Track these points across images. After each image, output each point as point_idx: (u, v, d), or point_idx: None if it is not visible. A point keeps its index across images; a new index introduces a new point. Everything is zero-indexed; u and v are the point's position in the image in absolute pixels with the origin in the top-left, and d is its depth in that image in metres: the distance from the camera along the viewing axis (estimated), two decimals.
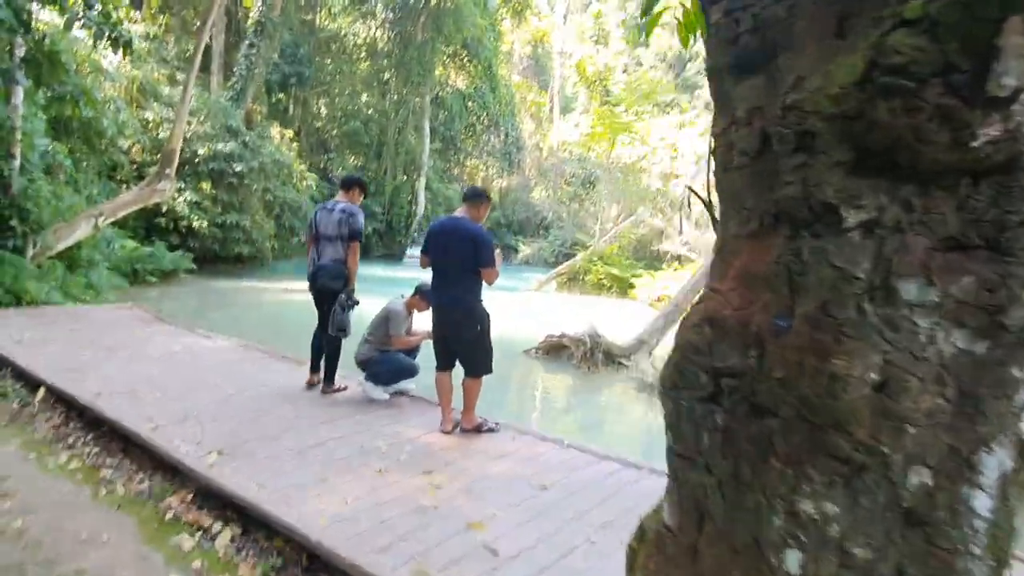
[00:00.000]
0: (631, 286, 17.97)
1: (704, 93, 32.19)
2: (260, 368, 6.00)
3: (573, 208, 28.50)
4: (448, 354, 4.59)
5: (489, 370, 4.54)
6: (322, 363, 5.42)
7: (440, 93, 28.65)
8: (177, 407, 4.71)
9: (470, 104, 29.69)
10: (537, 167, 32.65)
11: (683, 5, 2.61)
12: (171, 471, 3.91)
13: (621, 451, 6.18)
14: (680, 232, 21.63)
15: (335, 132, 27.51)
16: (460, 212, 4.56)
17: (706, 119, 30.32)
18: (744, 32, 1.45)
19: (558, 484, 3.78)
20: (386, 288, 5.70)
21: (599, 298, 18.09)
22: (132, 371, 5.64)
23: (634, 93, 23.19)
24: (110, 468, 4.00)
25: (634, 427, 7.48)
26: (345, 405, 5.05)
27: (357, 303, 5.24)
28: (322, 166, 26.06)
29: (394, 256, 25.64)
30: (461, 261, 4.37)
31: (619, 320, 13.80)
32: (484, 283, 4.42)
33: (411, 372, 5.32)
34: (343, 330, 5.18)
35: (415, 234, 25.90)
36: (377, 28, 27.64)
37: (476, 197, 4.62)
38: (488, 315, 4.51)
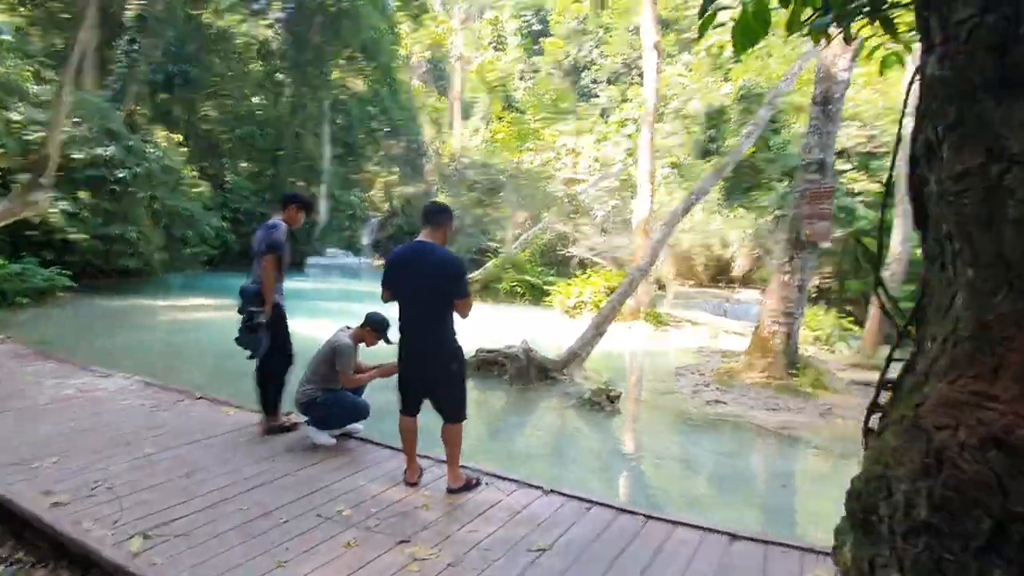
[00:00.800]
0: (546, 294, 17.73)
1: (601, 101, 32.67)
2: (178, 414, 5.11)
3: (478, 214, 28.05)
4: (419, 399, 3.99)
5: (465, 414, 3.98)
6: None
7: (339, 97, 27.41)
8: (83, 475, 3.84)
9: (370, 109, 28.62)
10: (439, 173, 31.97)
11: (743, 4, 2.22)
12: (82, 563, 3.11)
13: (585, 481, 5.86)
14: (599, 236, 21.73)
15: (227, 136, 25.70)
16: (424, 236, 3.94)
17: (602, 127, 30.86)
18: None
19: (558, 545, 3.29)
20: (289, 302, 4.97)
21: (514, 307, 17.73)
22: (15, 427, 4.65)
23: (540, 100, 23.03)
24: None
25: (586, 451, 7.11)
26: (287, 456, 4.33)
27: (261, 324, 4.58)
28: (214, 172, 24.25)
29: (295, 266, 24.26)
30: (436, 293, 3.81)
31: (540, 330, 13.48)
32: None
33: (363, 413, 4.66)
34: (250, 350, 4.59)
35: (317, 243, 24.59)
36: (269, 28, 26.09)
37: (439, 216, 4.01)
38: (461, 351, 3.97)
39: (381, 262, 30.35)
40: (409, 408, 3.98)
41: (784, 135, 24.30)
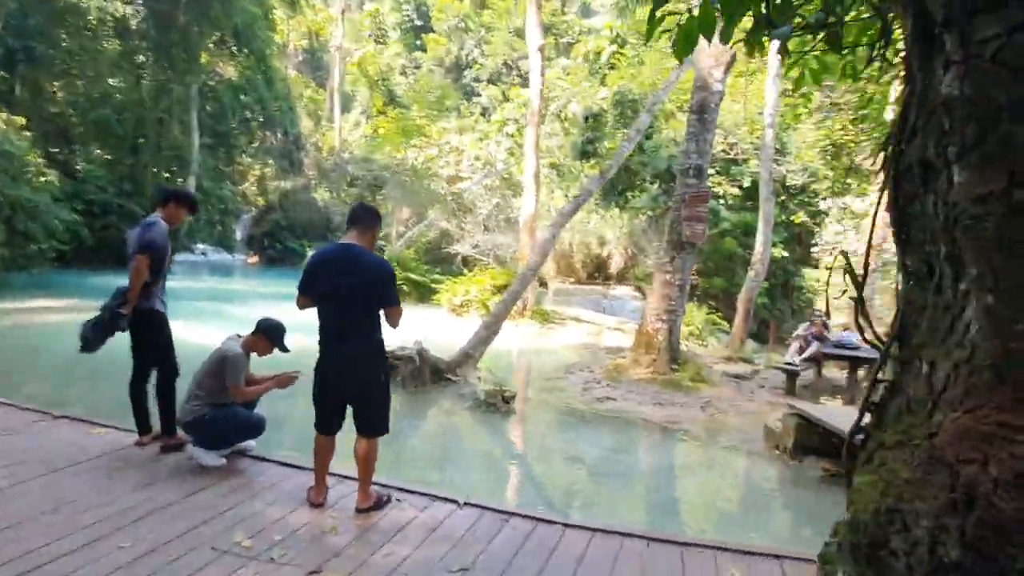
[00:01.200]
0: (432, 292, 17.45)
1: (482, 99, 32.70)
2: (34, 438, 4.44)
3: None
4: (340, 414, 3.68)
5: (387, 428, 3.72)
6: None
7: (208, 83, 25.59)
8: None
9: (243, 97, 26.95)
10: (318, 167, 30.72)
11: (688, 12, 2.16)
12: None
13: (487, 486, 5.73)
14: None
15: (78, 121, 23.28)
16: (349, 238, 3.62)
17: (484, 125, 30.90)
18: None
19: (480, 563, 3.13)
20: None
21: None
22: None
23: (424, 96, 22.66)
24: None
25: (484, 454, 7.00)
26: (171, 481, 3.85)
27: (118, 324, 4.13)
28: (64, 160, 21.88)
29: None
30: (364, 300, 3.51)
31: (428, 329, 13.22)
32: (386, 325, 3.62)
33: (258, 429, 4.26)
34: (84, 343, 4.13)
35: (185, 239, 22.85)
36: (127, 3, 23.88)
37: (368, 217, 3.70)
38: (388, 362, 3.72)
39: (256, 259, 28.74)
40: (328, 426, 3.66)
41: (655, 140, 25.39)
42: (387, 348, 8.53)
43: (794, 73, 2.80)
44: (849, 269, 1.46)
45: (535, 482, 6.00)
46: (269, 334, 4.25)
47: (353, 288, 3.45)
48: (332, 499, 3.71)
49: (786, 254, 21.57)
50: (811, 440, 6.45)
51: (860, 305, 1.46)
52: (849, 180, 20.54)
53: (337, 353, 3.56)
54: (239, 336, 4.31)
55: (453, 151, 26.36)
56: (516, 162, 25.82)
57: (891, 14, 1.89)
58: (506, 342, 12.38)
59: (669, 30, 2.12)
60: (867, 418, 1.39)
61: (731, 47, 9.03)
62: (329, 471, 3.83)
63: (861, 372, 9.09)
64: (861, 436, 1.37)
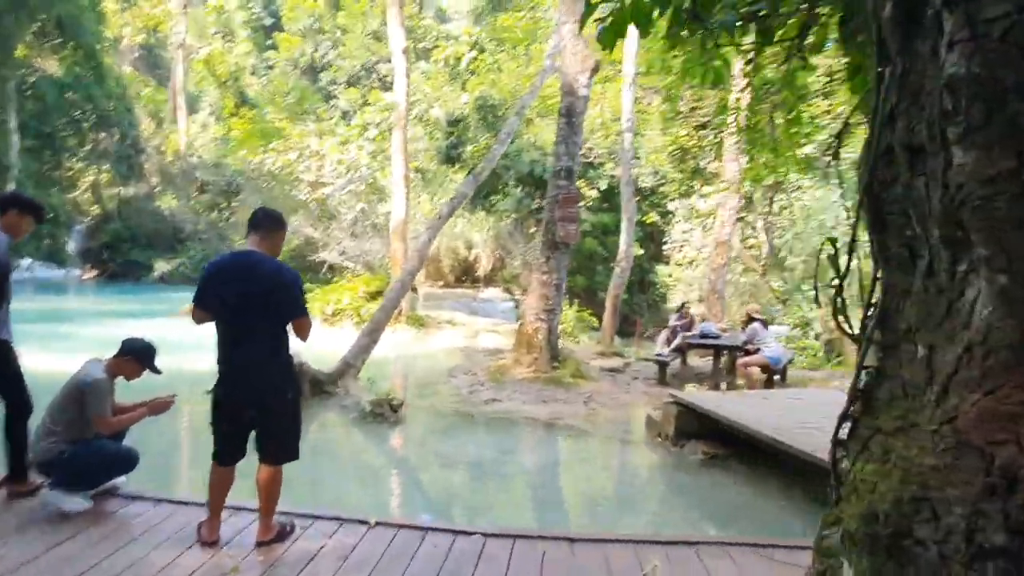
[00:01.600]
0: None
1: (341, 103, 31.66)
2: None
3: (214, 218, 25.38)
4: (242, 440, 3.28)
5: (297, 454, 3.37)
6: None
7: (28, 79, 22.75)
8: None
9: (69, 95, 24.23)
10: (162, 173, 28.28)
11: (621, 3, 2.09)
12: None
13: (386, 499, 5.45)
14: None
15: None
16: (251, 244, 3.26)
17: (344, 129, 29.90)
18: None
19: None
20: None
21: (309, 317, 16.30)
22: None
23: (282, 97, 21.49)
24: None
25: (378, 466, 6.69)
26: (25, 535, 3.25)
27: None
28: None
29: None
30: (266, 312, 3.14)
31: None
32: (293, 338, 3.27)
33: (129, 463, 3.73)
34: None
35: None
36: None
37: (271, 223, 3.34)
38: (297, 381, 3.36)
39: (93, 274, 25.90)
40: (228, 455, 3.26)
41: (517, 144, 25.82)
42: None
43: (695, 73, 2.84)
44: (834, 263, 1.44)
45: (437, 491, 5.79)
46: (138, 355, 3.74)
47: (249, 297, 3.11)
48: (227, 535, 3.32)
49: (641, 251, 22.68)
50: (690, 426, 6.74)
51: (838, 295, 1.45)
52: (694, 182, 21.94)
53: (234, 370, 3.19)
54: (100, 359, 3.76)
55: (314, 155, 25.31)
56: (380, 167, 25.24)
57: (820, 8, 1.93)
58: (384, 349, 11.97)
59: (602, 19, 2.04)
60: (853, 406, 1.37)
61: (597, 52, 9.31)
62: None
63: (723, 359, 9.67)
64: (848, 424, 1.36)
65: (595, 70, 10.18)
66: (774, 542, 3.52)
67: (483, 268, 27.60)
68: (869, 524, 1.14)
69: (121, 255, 24.85)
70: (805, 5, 1.89)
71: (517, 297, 22.48)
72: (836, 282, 1.52)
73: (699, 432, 6.72)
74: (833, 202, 16.25)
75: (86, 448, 3.54)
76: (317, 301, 15.63)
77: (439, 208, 26.87)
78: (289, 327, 3.24)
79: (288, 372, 3.32)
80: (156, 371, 3.78)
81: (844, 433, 1.37)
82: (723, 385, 9.66)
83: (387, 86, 32.20)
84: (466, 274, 27.99)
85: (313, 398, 8.20)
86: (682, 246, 22.75)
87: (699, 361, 11.46)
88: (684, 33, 2.26)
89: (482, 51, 26.55)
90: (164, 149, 29.61)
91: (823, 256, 1.54)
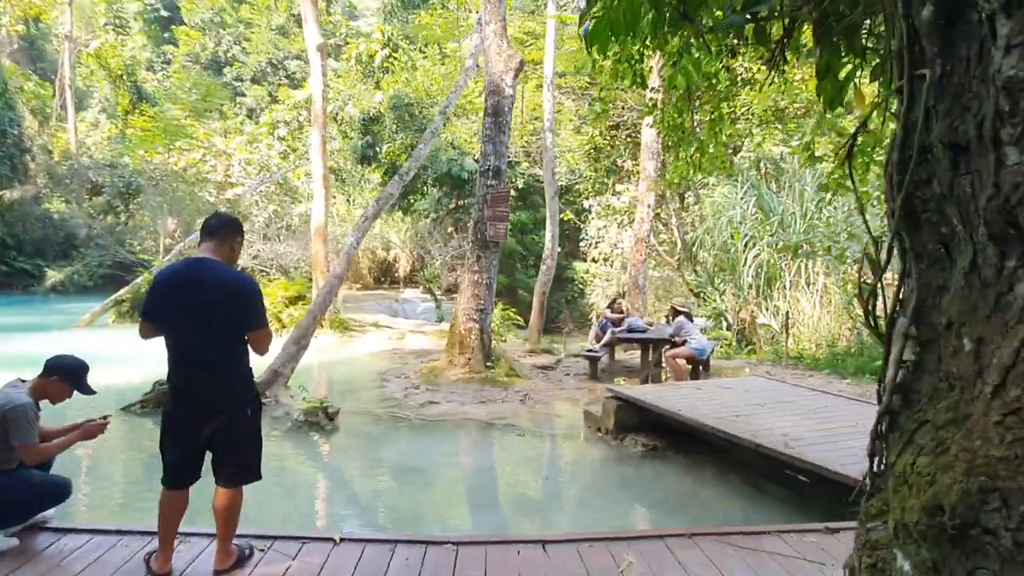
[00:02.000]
0: None
1: (247, 100, 30.35)
2: None
3: (110, 222, 23.68)
4: (197, 463, 3.02)
5: (259, 474, 3.15)
6: None
7: None
8: None
9: None
10: (49, 174, 26.15)
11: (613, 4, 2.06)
12: None
13: (348, 516, 5.22)
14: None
15: None
16: (204, 251, 3.02)
17: (251, 128, 28.67)
18: None
19: None
20: None
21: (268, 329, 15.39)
22: None
23: (186, 93, 20.31)
24: None
25: (320, 479, 6.42)
26: None
27: None
28: None
29: None
30: (223, 324, 2.92)
31: None
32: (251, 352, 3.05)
33: (60, 494, 3.38)
34: None
35: None
36: None
37: (226, 228, 3.09)
38: (259, 396, 3.14)
39: None
40: (179, 478, 3.00)
41: (434, 144, 25.58)
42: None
43: (668, 72, 2.86)
44: (872, 260, 1.46)
45: (387, 500, 5.61)
46: (65, 374, 3.41)
47: (201, 308, 2.88)
48: (180, 564, 3.07)
49: (559, 249, 22.98)
50: (629, 419, 6.87)
51: (872, 291, 1.47)
52: (607, 180, 22.43)
53: (188, 384, 2.96)
54: (23, 381, 3.40)
55: (220, 155, 24.13)
56: (291, 167, 24.38)
57: (802, 10, 1.97)
58: (308, 356, 11.56)
59: (599, 17, 2.00)
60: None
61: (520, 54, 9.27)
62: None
63: (652, 352, 9.91)
64: (886, 418, 1.39)
65: (519, 70, 10.20)
66: (732, 529, 3.62)
67: (403, 269, 27.21)
68: (933, 516, 1.16)
69: (5, 264, 22.79)
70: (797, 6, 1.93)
71: (439, 297, 22.28)
72: (866, 281, 1.54)
73: (637, 425, 6.86)
74: (741, 198, 16.98)
75: (10, 480, 3.19)
76: None
77: (361, 209, 26.30)
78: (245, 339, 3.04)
79: (248, 384, 3.11)
80: (87, 391, 3.46)
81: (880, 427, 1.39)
82: (650, 378, 9.91)
83: (296, 83, 31.15)
84: (385, 275, 27.51)
85: None
86: (597, 243, 23.23)
87: (624, 355, 11.72)
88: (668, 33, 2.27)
89: (396, 49, 26.10)
90: (51, 148, 27.40)
91: (733, 249, 1.56)
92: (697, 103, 7.08)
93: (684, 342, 9.21)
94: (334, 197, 25.14)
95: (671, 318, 10.72)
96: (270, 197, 23.60)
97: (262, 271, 21.04)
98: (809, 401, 6.58)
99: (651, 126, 12.17)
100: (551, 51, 14.09)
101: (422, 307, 22.81)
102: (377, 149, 25.08)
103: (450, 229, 25.13)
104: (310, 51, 14.05)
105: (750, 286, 15.79)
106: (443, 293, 23.34)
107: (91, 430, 3.41)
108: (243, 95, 29.87)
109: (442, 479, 6.10)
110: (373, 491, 5.88)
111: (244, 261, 20.96)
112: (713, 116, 7.02)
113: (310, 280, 15.50)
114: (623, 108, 19.13)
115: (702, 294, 18.25)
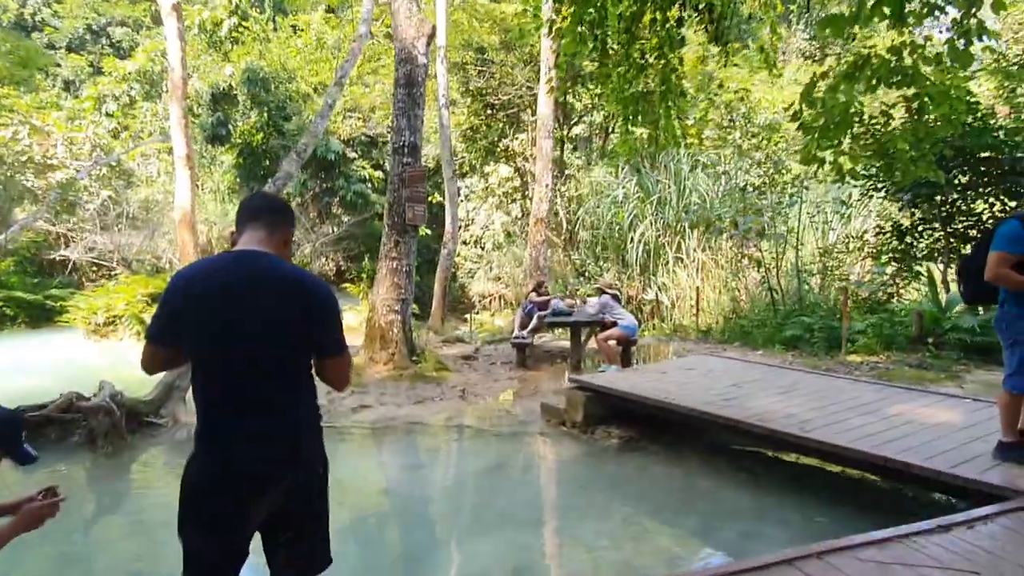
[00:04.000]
0: (58, 312, 13.18)
1: (62, 71, 26.14)
2: None
3: None
4: (241, 559, 2.00)
5: (331, 556, 2.19)
6: None
7: None
8: None
9: None
10: None
11: None
12: None
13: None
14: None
15: None
16: (250, 242, 2.04)
17: (72, 102, 24.62)
18: None
19: None
20: None
21: (6, 335, 12.69)
22: None
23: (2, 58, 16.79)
24: None
25: None
26: None
27: None
28: None
29: None
30: (289, 347, 1.98)
31: (74, 363, 9.94)
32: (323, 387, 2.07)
33: None
34: None
35: None
36: None
37: (279, 214, 2.13)
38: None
39: None
40: None
41: (295, 122, 23.45)
42: (39, 399, 5.94)
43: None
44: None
45: (364, 531, 4.67)
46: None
47: (258, 328, 1.93)
48: None
49: (428, 231, 22.10)
50: (598, 411, 6.41)
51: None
52: (486, 160, 21.86)
53: (229, 442, 1.96)
54: None
55: (36, 132, 20.45)
56: (127, 149, 21.29)
57: None
58: None
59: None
60: None
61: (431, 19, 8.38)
62: None
63: (583, 335, 9.53)
64: None
65: (432, 35, 9.28)
66: (855, 541, 3.15)
67: None
68: None
69: None
70: None
71: None
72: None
73: (606, 416, 6.43)
74: (622, 178, 17.17)
75: None
76: (79, 311, 12.59)
77: (212, 194, 23.57)
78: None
79: (319, 432, 2.17)
80: (23, 459, 2.29)
81: None
82: (581, 362, 9.54)
83: (123, 53, 27.19)
84: None
85: (134, 436, 6.38)
86: (467, 225, 22.68)
87: (540, 339, 11.25)
88: None
89: (245, 18, 23.56)
90: None
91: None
92: (648, 73, 6.69)
93: (614, 323, 8.91)
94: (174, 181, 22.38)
95: (591, 298, 10.43)
96: (103, 181, 20.45)
97: (102, 265, 18.21)
98: (777, 378, 6.48)
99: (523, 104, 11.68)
100: (443, 19, 13.16)
101: None
102: (230, 127, 22.56)
103: (313, 214, 23.34)
104: (164, 12, 12.01)
105: (635, 263, 16.05)
106: None
107: (32, 517, 2.25)
108: (58, 65, 25.65)
109: (419, 498, 5.25)
110: (342, 519, 4.91)
111: (77, 254, 18.01)
112: (663, 88, 6.67)
113: None
114: (510, 85, 18.60)
115: (586, 272, 18.36)
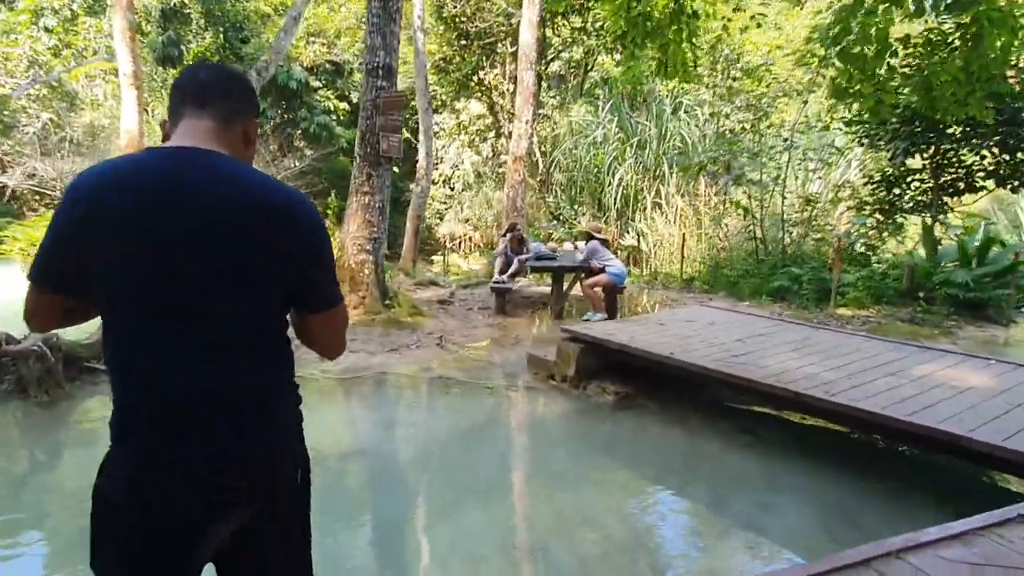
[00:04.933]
0: None
1: None
2: None
3: None
4: None
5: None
6: None
7: None
8: None
9: None
10: None
11: None
12: None
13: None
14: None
15: None
16: (193, 135, 1.32)
17: (3, 14, 22.30)
18: None
19: None
20: None
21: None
22: None
23: None
24: None
25: None
26: None
27: None
28: None
29: None
30: (252, 290, 1.28)
31: (10, 301, 8.94)
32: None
33: None
34: None
35: None
36: None
37: (234, 93, 1.40)
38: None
39: None
40: None
41: (254, 44, 21.73)
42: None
43: None
44: None
45: (338, 502, 4.09)
46: None
47: (220, 264, 1.26)
48: None
49: (397, 168, 21.03)
50: (592, 364, 5.90)
51: None
52: (458, 94, 20.75)
53: (166, 436, 1.28)
54: None
55: None
56: (64, 64, 19.49)
57: None
58: None
59: None
60: None
61: None
62: None
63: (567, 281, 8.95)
64: None
65: None
66: (931, 536, 2.66)
67: None
68: None
69: None
70: None
71: None
72: None
73: (598, 370, 5.92)
74: (602, 118, 16.40)
75: None
76: (16, 241, 11.47)
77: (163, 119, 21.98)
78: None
79: (298, 420, 1.51)
80: None
81: None
82: (563, 310, 8.99)
83: None
84: None
85: (73, 384, 5.63)
86: (437, 164, 21.73)
87: (517, 284, 10.65)
88: None
89: None
90: None
91: None
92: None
93: (602, 269, 8.36)
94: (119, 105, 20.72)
95: (579, 243, 9.87)
96: (43, 103, 18.78)
97: (44, 194, 16.84)
98: (784, 333, 6.03)
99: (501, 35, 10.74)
100: None
101: None
102: (182, 48, 20.80)
103: (274, 146, 22.01)
104: None
105: (612, 207, 15.47)
106: None
107: None
108: None
109: (395, 465, 4.69)
110: (318, 499, 4.32)
111: (15, 181, 16.59)
112: (674, 5, 5.92)
113: None
114: (488, 12, 17.39)
115: (561, 216, 17.71)
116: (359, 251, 8.09)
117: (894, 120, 10.17)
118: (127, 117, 11.18)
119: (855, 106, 8.64)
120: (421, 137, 12.95)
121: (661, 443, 4.98)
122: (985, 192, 10.75)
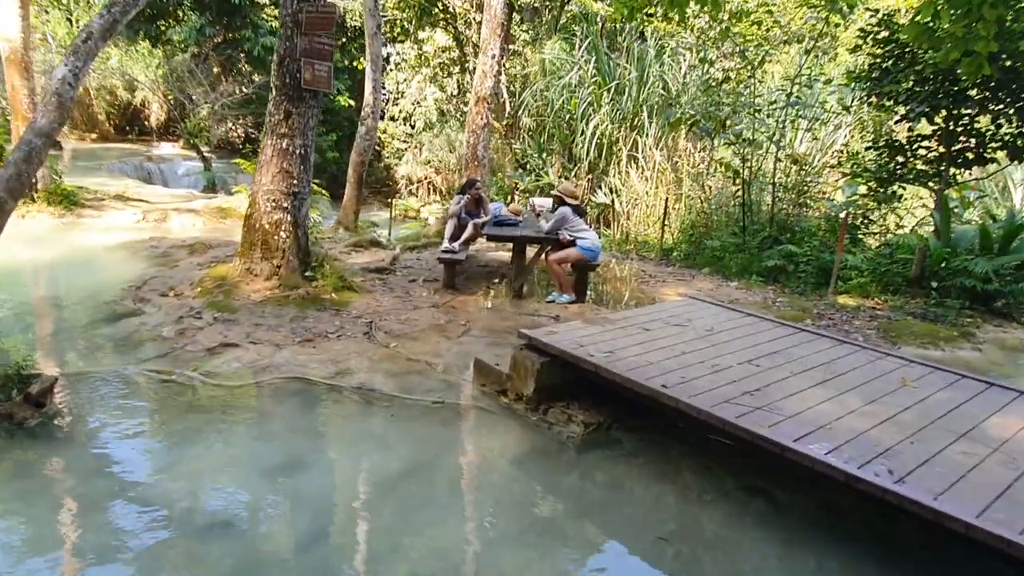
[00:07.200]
0: None
1: None
2: None
3: None
4: None
5: None
6: None
7: None
8: None
9: None
10: None
11: None
12: None
13: None
14: None
15: None
16: None
17: None
18: None
19: None
20: None
21: None
22: None
23: None
24: None
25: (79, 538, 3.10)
26: None
27: None
28: None
29: None
30: None
31: None
32: None
33: None
34: None
35: None
36: None
37: None
38: None
39: None
40: None
41: None
42: None
43: None
44: None
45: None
46: None
47: None
48: None
49: (351, 103, 18.86)
50: (555, 381, 4.47)
51: None
52: (421, 22, 18.52)
53: None
54: None
55: None
56: None
57: None
58: (9, 252, 7.23)
59: None
60: None
61: None
62: None
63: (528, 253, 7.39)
64: None
65: None
66: None
67: (155, 118, 21.08)
68: None
69: None
70: None
71: (207, 156, 17.39)
72: None
73: (561, 389, 4.51)
74: (578, 58, 14.57)
75: None
76: None
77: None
78: None
79: None
80: None
81: None
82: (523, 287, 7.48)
83: None
84: (131, 124, 21.13)
85: None
86: (396, 99, 19.65)
87: (473, 248, 9.03)
88: None
89: None
90: None
91: None
92: None
93: (572, 241, 6.87)
94: (45, 11, 17.99)
95: (537, 201, 8.33)
96: None
97: None
98: (801, 349, 4.65)
99: None
100: None
101: (184, 167, 17.81)
102: None
103: (216, 69, 19.52)
104: None
105: (584, 158, 13.87)
106: (212, 150, 18.30)
107: None
108: None
109: (281, 542, 3.21)
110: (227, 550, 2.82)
111: None
112: None
113: (5, 133, 10.23)
114: None
115: (527, 165, 16.02)
116: (274, 208, 6.40)
117: (912, 78, 8.73)
118: (6, 22, 9.00)
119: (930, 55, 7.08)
120: (368, 66, 11.00)
121: (644, 512, 3.61)
122: (998, 168, 9.48)
